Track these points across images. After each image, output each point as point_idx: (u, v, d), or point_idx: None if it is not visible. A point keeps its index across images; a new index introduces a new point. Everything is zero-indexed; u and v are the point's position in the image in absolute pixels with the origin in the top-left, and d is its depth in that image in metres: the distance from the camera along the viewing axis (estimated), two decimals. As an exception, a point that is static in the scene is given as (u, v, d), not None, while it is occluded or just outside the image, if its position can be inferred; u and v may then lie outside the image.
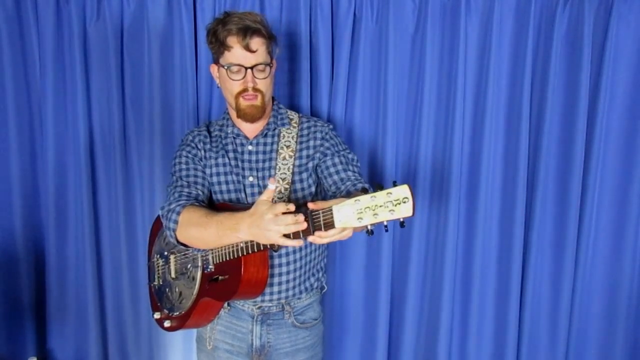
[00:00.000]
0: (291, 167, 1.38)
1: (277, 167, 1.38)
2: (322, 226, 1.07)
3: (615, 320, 1.95)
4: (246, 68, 1.30)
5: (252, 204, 1.32)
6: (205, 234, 1.24)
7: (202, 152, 1.44)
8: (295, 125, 1.44)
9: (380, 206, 1.00)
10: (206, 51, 1.80)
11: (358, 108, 1.85)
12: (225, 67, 1.32)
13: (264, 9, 1.79)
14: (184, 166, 1.42)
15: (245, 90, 1.32)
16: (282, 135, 1.42)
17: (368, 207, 1.01)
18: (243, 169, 1.40)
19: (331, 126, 1.47)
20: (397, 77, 1.81)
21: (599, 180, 1.86)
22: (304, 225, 1.08)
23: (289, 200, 1.37)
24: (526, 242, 1.91)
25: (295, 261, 1.41)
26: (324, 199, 1.45)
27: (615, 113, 1.85)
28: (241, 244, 1.22)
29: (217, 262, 1.31)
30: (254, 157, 1.41)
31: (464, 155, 1.86)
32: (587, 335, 1.98)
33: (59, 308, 1.95)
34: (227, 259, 1.27)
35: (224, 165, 1.41)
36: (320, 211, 1.07)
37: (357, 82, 1.83)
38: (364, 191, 1.05)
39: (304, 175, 1.40)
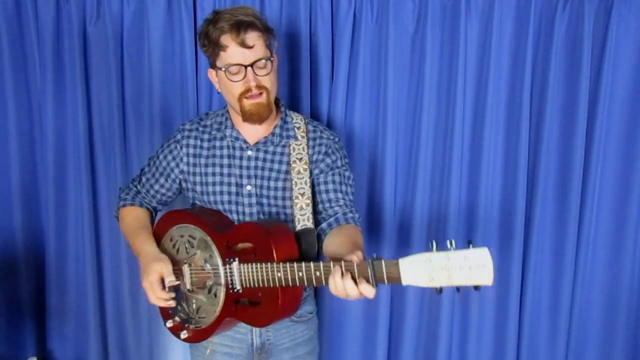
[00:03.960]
0: (308, 180, 1.31)
1: (294, 181, 1.30)
2: (385, 279, 0.99)
3: (615, 320, 1.95)
4: (245, 66, 1.21)
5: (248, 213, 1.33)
6: (125, 236, 1.41)
7: (187, 157, 1.36)
8: (303, 135, 1.35)
9: (455, 269, 0.94)
10: (206, 51, 1.81)
11: (358, 108, 1.85)
12: (224, 69, 1.22)
13: (264, 9, 1.79)
14: (156, 174, 1.43)
15: (248, 90, 1.23)
16: (292, 148, 1.33)
17: (442, 268, 0.94)
18: (240, 176, 1.32)
19: (337, 139, 1.40)
20: (397, 77, 1.81)
21: (599, 180, 1.86)
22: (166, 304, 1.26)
23: (314, 218, 1.30)
24: (526, 242, 1.91)
25: None
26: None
27: (615, 113, 1.85)
28: (278, 274, 1.13)
29: (247, 286, 1.21)
30: (252, 164, 1.33)
31: (464, 155, 1.86)
32: (587, 335, 1.98)
33: (59, 308, 1.95)
34: (260, 285, 1.18)
35: (221, 174, 1.34)
36: (384, 262, 0.99)
37: (357, 82, 1.83)
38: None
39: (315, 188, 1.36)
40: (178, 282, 1.29)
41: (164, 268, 1.25)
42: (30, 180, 1.91)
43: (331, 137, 1.39)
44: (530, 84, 1.82)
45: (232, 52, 1.21)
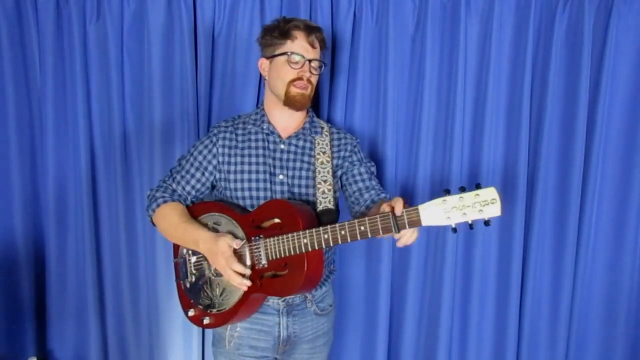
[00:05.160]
0: (330, 170, 1.46)
1: (317, 170, 1.45)
2: (407, 224, 1.17)
3: (615, 320, 1.95)
4: (306, 59, 1.40)
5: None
6: (172, 231, 1.43)
7: (223, 149, 1.45)
8: (327, 134, 1.52)
9: (468, 206, 1.11)
10: (206, 51, 1.81)
11: (358, 108, 1.85)
12: (288, 54, 1.39)
13: (264, 9, 1.80)
14: (191, 169, 1.47)
15: (299, 79, 1.40)
16: (316, 142, 1.49)
17: (455, 207, 1.12)
18: (274, 167, 1.44)
19: (358, 140, 1.57)
20: (397, 77, 1.81)
21: (599, 180, 1.86)
22: (245, 287, 1.31)
23: (334, 201, 1.44)
24: (526, 242, 1.91)
25: None
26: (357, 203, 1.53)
27: (615, 113, 1.85)
28: (304, 240, 1.26)
29: (273, 258, 1.32)
30: (285, 156, 1.46)
31: (464, 155, 1.86)
32: (587, 335, 1.98)
33: (59, 308, 1.95)
34: (286, 255, 1.29)
35: (256, 164, 1.44)
36: (405, 210, 1.16)
37: (357, 82, 1.83)
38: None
39: (335, 180, 1.49)
40: (244, 241, 1.35)
41: (228, 239, 1.32)
42: (30, 180, 1.91)
43: (353, 138, 1.56)
44: (530, 84, 1.83)
45: (300, 44, 1.41)
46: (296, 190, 1.44)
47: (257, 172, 1.44)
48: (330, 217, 1.40)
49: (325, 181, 1.44)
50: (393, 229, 1.17)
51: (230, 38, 1.82)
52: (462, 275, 1.94)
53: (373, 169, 1.56)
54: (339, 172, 1.51)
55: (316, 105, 1.86)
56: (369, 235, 1.21)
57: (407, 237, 1.23)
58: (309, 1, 1.79)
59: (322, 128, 1.53)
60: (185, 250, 1.49)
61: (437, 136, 1.86)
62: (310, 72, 1.41)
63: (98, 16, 1.80)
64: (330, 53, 1.82)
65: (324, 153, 1.48)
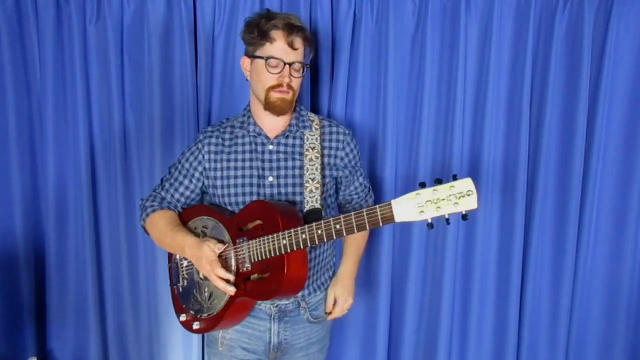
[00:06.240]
0: (319, 167, 1.41)
1: (305, 167, 1.40)
2: (380, 221, 1.12)
3: (615, 320, 1.95)
4: (285, 63, 1.33)
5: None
6: (162, 239, 1.44)
7: (209, 154, 1.43)
8: (317, 127, 1.46)
9: (443, 199, 1.04)
10: (206, 51, 1.81)
11: (358, 108, 1.85)
12: (265, 58, 1.33)
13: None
14: (179, 177, 1.47)
15: (279, 85, 1.34)
16: (305, 137, 1.43)
17: (429, 201, 1.05)
18: (263, 169, 1.41)
19: (351, 135, 1.50)
20: (397, 77, 1.81)
21: (599, 180, 1.86)
22: (231, 293, 1.28)
23: (321, 200, 1.41)
24: (526, 242, 1.91)
25: (309, 260, 1.42)
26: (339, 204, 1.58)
27: (615, 113, 1.85)
28: (283, 241, 1.23)
29: (255, 260, 1.29)
30: (274, 157, 1.42)
31: (464, 155, 1.86)
32: (587, 335, 1.98)
33: (59, 308, 1.95)
34: (267, 257, 1.26)
35: (243, 168, 1.41)
36: (377, 206, 1.12)
37: (357, 82, 1.83)
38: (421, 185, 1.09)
39: (327, 179, 1.46)
40: (227, 244, 1.34)
41: (211, 244, 1.30)
42: (30, 180, 1.91)
43: (347, 133, 1.49)
44: (530, 84, 1.82)
45: (278, 47, 1.33)
46: (287, 190, 1.41)
47: (244, 176, 1.40)
48: (316, 217, 1.35)
49: (313, 179, 1.39)
50: (367, 225, 1.14)
51: (230, 38, 1.82)
52: (462, 274, 1.94)
53: (362, 169, 1.54)
54: (332, 173, 1.46)
55: (316, 105, 1.86)
56: (344, 234, 1.18)
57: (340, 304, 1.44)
58: (309, 1, 1.79)
59: (312, 121, 1.46)
60: (178, 255, 1.49)
61: (437, 136, 1.86)
62: (292, 75, 1.34)
63: (98, 16, 1.79)
64: (330, 53, 1.82)
65: (313, 149, 1.42)
